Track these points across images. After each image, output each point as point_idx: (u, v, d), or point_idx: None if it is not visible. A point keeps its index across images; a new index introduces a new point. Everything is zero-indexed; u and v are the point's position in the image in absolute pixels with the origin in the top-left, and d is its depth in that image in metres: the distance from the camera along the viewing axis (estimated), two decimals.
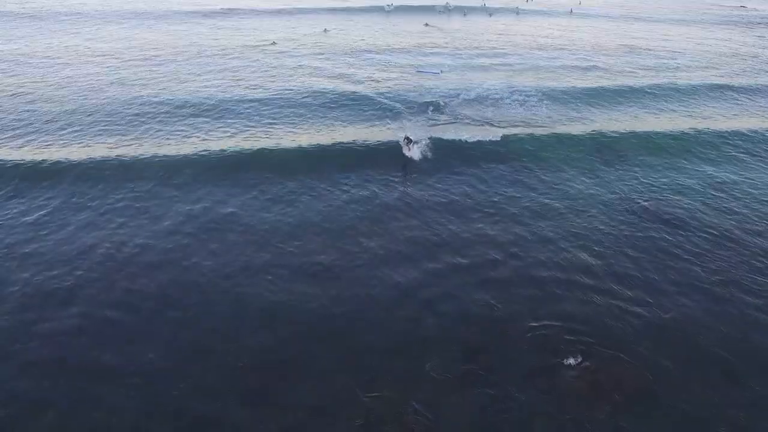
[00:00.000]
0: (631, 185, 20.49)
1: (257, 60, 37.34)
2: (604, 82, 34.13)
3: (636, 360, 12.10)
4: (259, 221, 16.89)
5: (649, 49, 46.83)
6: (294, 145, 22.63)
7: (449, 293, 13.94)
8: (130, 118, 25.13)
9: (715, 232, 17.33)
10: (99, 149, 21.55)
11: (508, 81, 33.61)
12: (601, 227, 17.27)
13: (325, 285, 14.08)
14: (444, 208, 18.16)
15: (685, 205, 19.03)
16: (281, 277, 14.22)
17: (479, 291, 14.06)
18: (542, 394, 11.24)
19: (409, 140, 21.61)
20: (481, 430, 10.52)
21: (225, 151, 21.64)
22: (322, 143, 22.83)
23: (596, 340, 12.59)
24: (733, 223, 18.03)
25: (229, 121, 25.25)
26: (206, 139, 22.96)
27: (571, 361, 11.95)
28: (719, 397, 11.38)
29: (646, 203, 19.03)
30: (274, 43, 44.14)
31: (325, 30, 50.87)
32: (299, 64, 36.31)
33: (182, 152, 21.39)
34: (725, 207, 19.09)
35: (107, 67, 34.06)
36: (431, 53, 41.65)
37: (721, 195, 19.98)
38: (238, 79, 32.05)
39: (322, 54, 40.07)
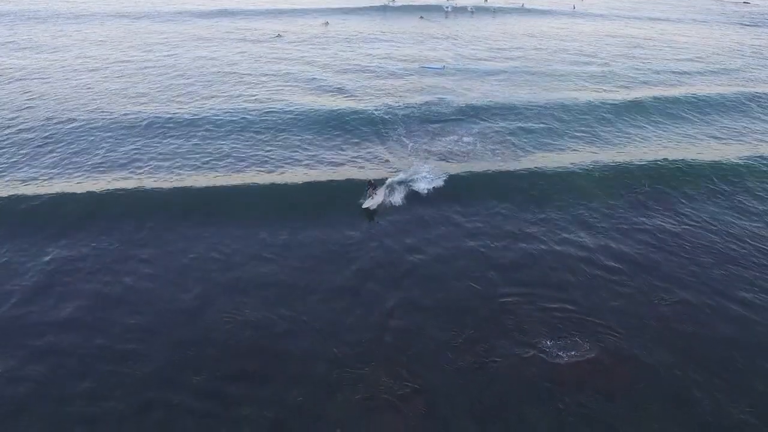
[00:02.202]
0: (631, 195, 20.54)
1: (259, 62, 37.42)
2: (610, 95, 33.52)
3: (630, 351, 12.69)
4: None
5: (655, 51, 46.59)
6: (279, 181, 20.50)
7: (444, 291, 14.76)
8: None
9: (715, 235, 18.12)
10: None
11: (509, 89, 33.32)
12: (614, 246, 17.54)
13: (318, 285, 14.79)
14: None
15: (690, 214, 19.57)
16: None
17: (474, 283, 14.97)
18: (534, 379, 11.92)
19: (373, 186, 18.38)
20: (473, 410, 11.17)
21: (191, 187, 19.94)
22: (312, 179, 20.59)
23: (591, 332, 13.23)
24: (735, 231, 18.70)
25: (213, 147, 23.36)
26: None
27: (564, 348, 12.61)
28: (714, 386, 11.96)
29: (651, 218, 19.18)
30: (279, 35, 44.87)
31: (326, 23, 51.69)
32: (292, 69, 35.97)
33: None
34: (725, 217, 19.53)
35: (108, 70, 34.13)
36: (431, 56, 41.76)
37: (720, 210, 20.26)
38: (241, 83, 32.13)
39: (321, 51, 40.17)
